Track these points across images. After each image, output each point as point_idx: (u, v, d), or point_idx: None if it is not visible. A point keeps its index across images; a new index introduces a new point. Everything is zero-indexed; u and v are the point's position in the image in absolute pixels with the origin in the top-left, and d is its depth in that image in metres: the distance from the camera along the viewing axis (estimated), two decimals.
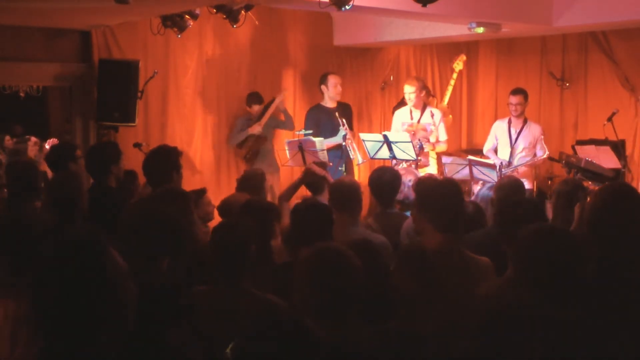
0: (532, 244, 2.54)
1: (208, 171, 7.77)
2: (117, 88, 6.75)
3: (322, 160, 6.20)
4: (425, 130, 7.16)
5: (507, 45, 8.85)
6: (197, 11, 6.34)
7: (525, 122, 7.24)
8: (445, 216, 3.13)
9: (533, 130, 7.20)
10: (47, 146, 6.90)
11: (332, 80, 7.46)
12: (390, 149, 6.62)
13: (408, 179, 5.12)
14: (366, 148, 6.87)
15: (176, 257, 2.94)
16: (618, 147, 7.21)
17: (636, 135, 7.90)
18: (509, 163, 7.10)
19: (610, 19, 6.79)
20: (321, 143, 6.49)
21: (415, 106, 7.25)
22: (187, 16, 6.37)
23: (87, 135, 7.23)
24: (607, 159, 7.07)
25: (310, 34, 8.40)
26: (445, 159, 6.75)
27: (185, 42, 7.37)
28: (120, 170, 4.82)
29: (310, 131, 7.03)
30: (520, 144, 7.18)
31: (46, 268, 1.69)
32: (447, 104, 8.02)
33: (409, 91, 7.18)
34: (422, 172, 6.38)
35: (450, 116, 8.09)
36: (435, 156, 7.28)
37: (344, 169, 7.07)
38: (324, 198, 4.61)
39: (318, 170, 5.20)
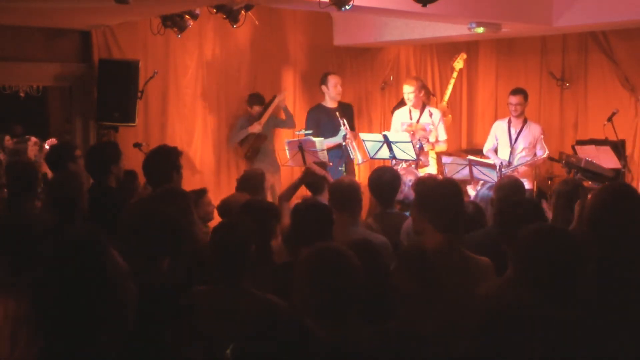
0: (532, 244, 2.54)
1: (208, 171, 7.77)
2: (117, 88, 6.75)
3: (322, 160, 6.20)
4: (424, 130, 7.16)
5: (507, 45, 8.85)
6: (197, 11, 6.34)
7: (525, 122, 7.24)
8: (445, 216, 3.13)
9: (533, 130, 7.20)
10: (46, 146, 6.90)
11: (332, 80, 7.46)
12: (390, 149, 6.62)
13: (408, 179, 5.13)
14: (366, 148, 6.87)
15: (176, 257, 2.94)
16: (618, 147, 7.21)
17: (636, 135, 7.90)
18: (509, 163, 7.10)
19: (610, 19, 6.79)
20: (321, 143, 6.49)
21: (415, 106, 7.25)
22: (187, 16, 6.36)
23: (87, 135, 7.23)
24: (607, 159, 7.07)
25: (310, 34, 8.40)
26: (445, 159, 6.75)
27: (185, 42, 7.37)
28: (120, 170, 4.82)
29: (311, 131, 7.03)
30: (520, 144, 7.17)
31: (46, 268, 1.69)
32: (447, 103, 8.02)
33: (408, 91, 7.18)
34: (422, 172, 6.39)
35: (450, 116, 8.09)
36: (435, 156, 7.28)
37: (344, 169, 7.07)
38: (324, 198, 4.61)
39: (318, 170, 5.20)
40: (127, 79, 6.77)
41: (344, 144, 7.08)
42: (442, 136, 7.29)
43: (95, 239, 1.74)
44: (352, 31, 8.32)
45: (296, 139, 6.71)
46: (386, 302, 2.65)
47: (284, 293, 2.83)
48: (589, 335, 2.39)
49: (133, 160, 6.06)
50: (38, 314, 1.68)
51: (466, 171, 6.39)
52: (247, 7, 6.15)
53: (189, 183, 6.13)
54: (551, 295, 2.40)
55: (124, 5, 4.85)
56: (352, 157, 7.12)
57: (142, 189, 5.26)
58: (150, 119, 7.36)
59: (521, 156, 7.15)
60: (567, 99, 8.56)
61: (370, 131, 8.34)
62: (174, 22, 6.45)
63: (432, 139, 7.20)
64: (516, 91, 7.26)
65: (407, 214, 4.51)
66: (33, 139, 7.28)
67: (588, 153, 7.14)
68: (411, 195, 4.64)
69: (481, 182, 6.30)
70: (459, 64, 7.97)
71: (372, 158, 6.95)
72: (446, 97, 8.01)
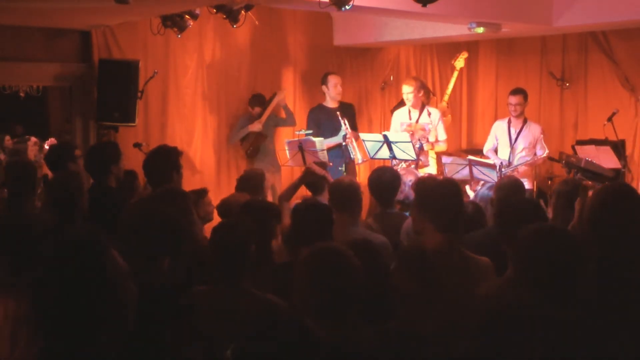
0: (532, 244, 2.54)
1: (208, 171, 7.77)
2: (117, 88, 6.75)
3: (322, 160, 6.20)
4: (423, 130, 7.16)
5: (507, 45, 8.85)
6: (197, 11, 6.34)
7: (525, 122, 7.24)
8: (445, 216, 3.13)
9: (533, 130, 7.20)
10: (46, 146, 6.90)
11: (332, 80, 7.47)
12: (390, 149, 6.62)
13: (408, 179, 5.12)
14: (366, 148, 6.87)
15: (176, 257, 2.94)
16: (618, 147, 7.21)
17: (636, 135, 7.90)
18: (509, 163, 7.10)
19: (610, 19, 6.79)
20: (321, 143, 6.49)
21: (414, 106, 7.25)
22: (187, 16, 6.37)
23: (87, 135, 7.23)
24: (607, 159, 7.07)
25: (310, 34, 8.40)
26: (445, 159, 6.75)
27: (185, 42, 7.36)
28: (120, 170, 4.82)
29: (311, 131, 7.03)
30: (520, 144, 7.18)
31: (46, 268, 1.69)
32: (447, 103, 8.02)
33: (407, 91, 7.19)
34: (422, 172, 6.39)
35: (449, 116, 8.09)
36: (435, 156, 7.28)
37: (344, 168, 7.07)
38: (324, 198, 4.61)
39: (318, 170, 5.20)
40: (127, 79, 6.77)
41: (344, 144, 7.08)
42: (442, 136, 7.29)
43: (95, 239, 1.74)
44: (352, 31, 8.32)
45: (296, 139, 6.71)
46: (386, 302, 2.65)
47: (284, 293, 2.83)
48: (589, 335, 2.40)
49: (133, 160, 6.06)
50: (38, 314, 1.68)
51: (466, 171, 6.39)
52: (247, 7, 6.15)
53: (189, 183, 6.13)
54: (551, 295, 2.40)
55: (124, 5, 4.85)
56: (352, 156, 7.13)
57: (142, 189, 5.26)
58: (150, 119, 7.36)
59: (521, 156, 7.15)
60: (567, 99, 8.56)
61: (370, 131, 8.34)
62: (174, 22, 6.45)
63: (431, 138, 7.20)
64: (516, 91, 7.26)
65: (407, 214, 4.51)
66: (33, 139, 7.28)
67: (588, 153, 7.14)
68: (411, 195, 4.64)
69: (481, 182, 6.29)
70: (460, 62, 7.96)
71: (372, 158, 6.95)
72: (446, 97, 8.01)
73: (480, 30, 6.73)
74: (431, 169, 7.07)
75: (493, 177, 6.16)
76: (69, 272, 1.66)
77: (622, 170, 7.19)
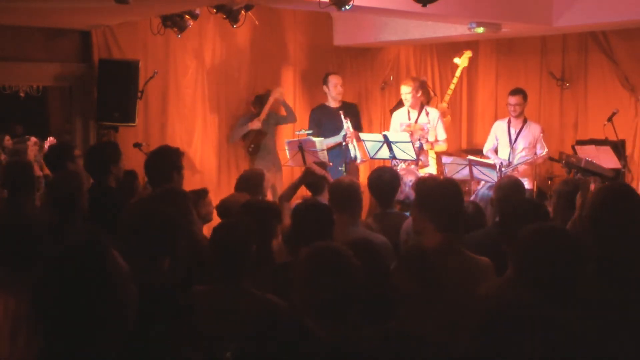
0: (532, 244, 2.54)
1: (208, 171, 7.77)
2: (117, 88, 6.75)
3: (322, 160, 6.20)
4: (422, 130, 7.16)
5: (507, 45, 8.85)
6: (197, 11, 6.34)
7: (524, 122, 7.24)
8: (445, 216, 3.13)
9: (533, 130, 7.20)
10: (46, 146, 6.89)
11: (333, 80, 7.47)
12: (390, 149, 6.62)
13: (408, 179, 5.12)
14: (366, 148, 6.87)
15: (176, 257, 2.94)
16: (618, 147, 7.20)
17: (636, 135, 7.90)
18: (509, 163, 7.10)
19: (610, 19, 6.79)
20: (321, 143, 6.49)
21: (413, 107, 7.25)
22: (187, 16, 6.36)
23: (87, 135, 7.23)
24: (607, 159, 7.07)
25: (310, 34, 8.40)
26: (445, 159, 6.75)
27: (185, 42, 7.36)
28: (120, 170, 4.82)
29: (311, 131, 7.03)
30: (520, 144, 7.18)
31: (46, 268, 1.69)
32: (447, 104, 8.01)
33: (405, 92, 7.18)
34: (422, 172, 6.38)
35: (449, 116, 8.08)
36: (435, 156, 7.28)
37: (344, 169, 7.07)
38: (324, 198, 4.61)
39: (318, 170, 5.20)
40: (127, 79, 6.77)
41: (344, 143, 7.08)
42: (442, 135, 7.29)
43: (95, 239, 1.74)
44: (352, 31, 8.32)
45: (296, 139, 6.71)
46: (386, 302, 2.65)
47: (284, 293, 2.83)
48: (589, 335, 2.39)
49: (133, 160, 6.07)
50: (38, 313, 1.68)
51: (466, 171, 6.39)
52: (247, 7, 6.15)
53: (189, 183, 6.12)
54: (551, 295, 2.40)
55: (124, 5, 4.85)
56: (352, 156, 7.12)
57: (142, 189, 5.26)
58: (150, 119, 7.36)
59: (521, 156, 7.15)
60: (567, 99, 8.55)
61: (370, 131, 8.33)
62: (174, 22, 6.45)
63: (431, 138, 7.19)
64: (515, 91, 7.26)
65: (407, 214, 4.51)
66: (33, 139, 7.27)
67: (588, 153, 7.14)
68: (411, 195, 4.64)
69: (481, 182, 6.30)
70: (463, 62, 7.92)
71: (372, 158, 6.95)
72: (447, 97, 8.00)
73: (480, 30, 6.73)
74: (431, 169, 7.07)
75: (493, 177, 6.16)
76: (69, 272, 1.66)
77: (622, 171, 7.19)
